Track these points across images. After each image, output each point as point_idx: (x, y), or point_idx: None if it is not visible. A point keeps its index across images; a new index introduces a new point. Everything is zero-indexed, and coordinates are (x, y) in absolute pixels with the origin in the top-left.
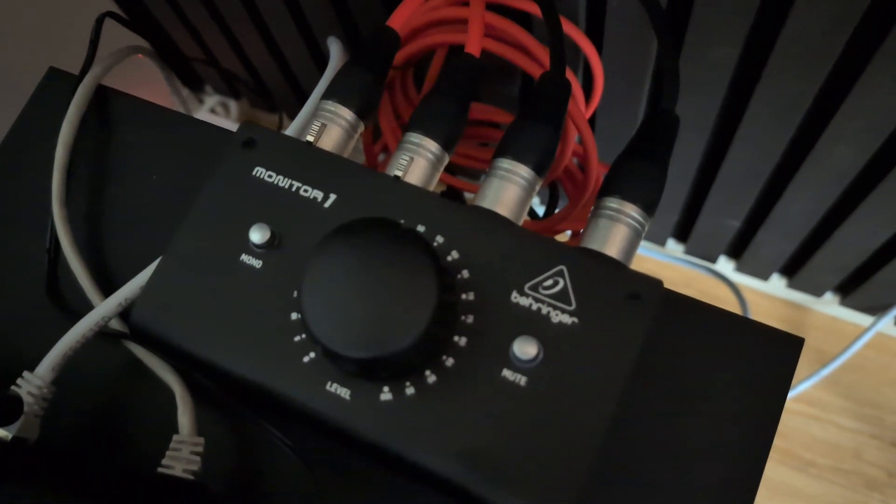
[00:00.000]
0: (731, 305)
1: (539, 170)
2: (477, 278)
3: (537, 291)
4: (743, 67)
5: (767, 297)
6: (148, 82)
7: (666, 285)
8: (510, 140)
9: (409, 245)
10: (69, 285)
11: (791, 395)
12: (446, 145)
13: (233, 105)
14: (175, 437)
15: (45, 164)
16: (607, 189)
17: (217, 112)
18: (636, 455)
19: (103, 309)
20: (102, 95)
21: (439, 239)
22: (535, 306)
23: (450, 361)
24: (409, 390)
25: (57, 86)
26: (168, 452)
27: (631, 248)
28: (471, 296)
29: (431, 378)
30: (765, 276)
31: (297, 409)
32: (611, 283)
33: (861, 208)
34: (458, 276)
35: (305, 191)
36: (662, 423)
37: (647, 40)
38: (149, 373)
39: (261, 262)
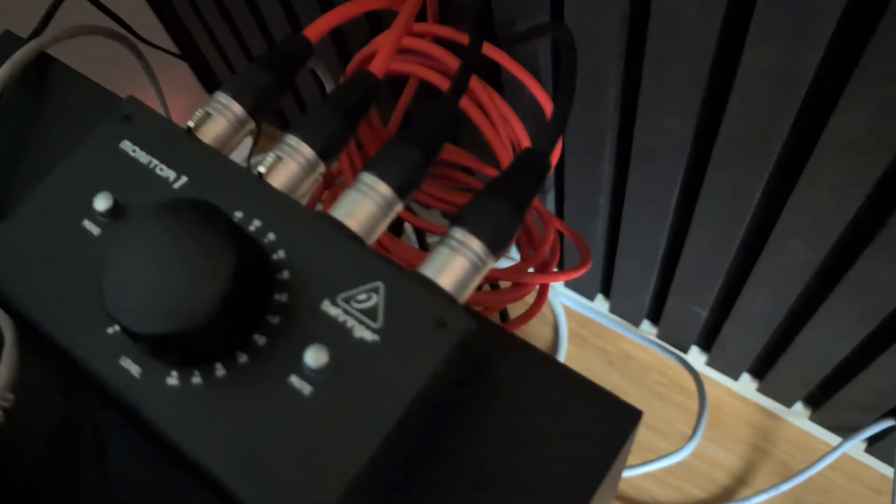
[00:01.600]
0: (697, 398)
1: (400, 191)
2: (295, 280)
3: (349, 304)
4: (697, 145)
5: (740, 398)
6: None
7: (640, 369)
8: (379, 156)
9: (218, 230)
10: None
11: None
12: (322, 153)
13: None
14: None
15: None
16: (457, 218)
17: None
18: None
19: None
20: (45, 64)
21: (270, 236)
22: (341, 318)
23: (243, 358)
24: (196, 379)
25: (6, 49)
26: None
27: (465, 282)
28: (284, 297)
29: (221, 371)
30: (734, 375)
31: (93, 379)
32: (421, 308)
33: (819, 314)
34: (278, 275)
35: (161, 170)
36: (472, 468)
37: (604, 103)
38: None
39: (100, 230)
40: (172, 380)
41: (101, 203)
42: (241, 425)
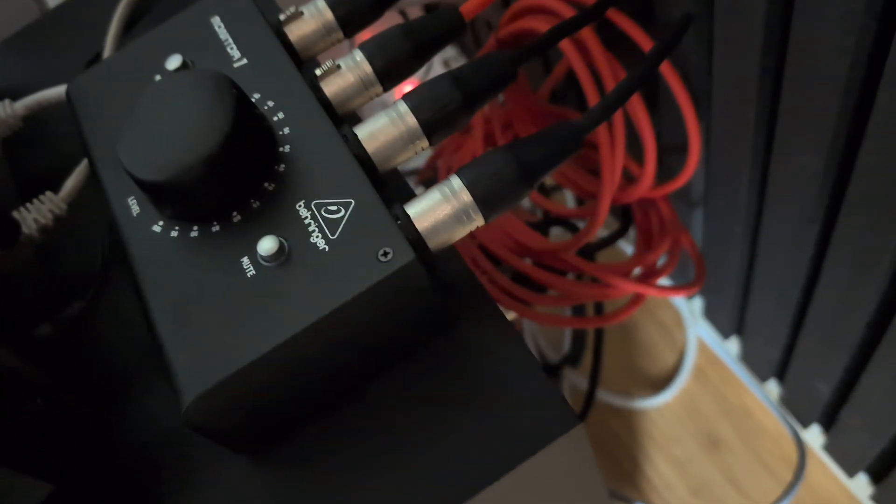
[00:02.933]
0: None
1: (427, 128)
2: (288, 175)
3: (319, 211)
4: (834, 192)
5: (851, 499)
6: None
7: (755, 430)
8: (418, 89)
9: (226, 104)
10: None
11: None
12: (381, 75)
13: None
14: (47, 193)
15: None
16: (461, 169)
17: None
18: (357, 433)
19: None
20: None
21: (286, 130)
22: (307, 220)
23: (216, 228)
24: (174, 233)
25: None
26: (34, 200)
27: (443, 230)
28: (272, 186)
29: (195, 233)
30: (850, 471)
31: (108, 209)
32: (375, 235)
33: None
34: (276, 167)
35: (231, 48)
36: (396, 419)
37: (745, 122)
38: None
39: None
40: (157, 227)
41: (172, 62)
42: (189, 282)
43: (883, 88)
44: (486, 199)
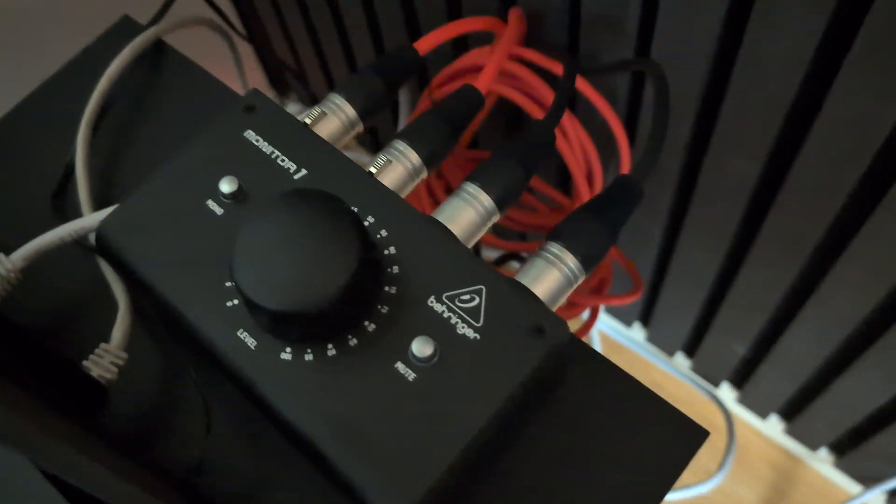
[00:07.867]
0: (724, 434)
1: (500, 203)
2: (404, 275)
3: (453, 302)
4: (761, 190)
5: (765, 438)
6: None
7: (669, 400)
8: (483, 169)
9: (347, 223)
10: (75, 199)
11: None
12: (427, 161)
13: None
14: (102, 345)
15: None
16: (554, 234)
17: None
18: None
19: (84, 221)
20: (161, 50)
21: (383, 233)
22: (446, 314)
23: (353, 341)
24: (308, 356)
25: (125, 32)
26: (91, 356)
27: (558, 293)
28: (393, 289)
29: (332, 351)
30: (763, 414)
31: (208, 348)
32: (521, 313)
33: (860, 362)
34: (389, 269)
35: (282, 161)
36: (546, 471)
37: (676, 138)
38: (108, 288)
39: (222, 210)
40: (286, 355)
41: (227, 186)
42: (346, 402)
43: (829, 101)
44: (587, 258)
